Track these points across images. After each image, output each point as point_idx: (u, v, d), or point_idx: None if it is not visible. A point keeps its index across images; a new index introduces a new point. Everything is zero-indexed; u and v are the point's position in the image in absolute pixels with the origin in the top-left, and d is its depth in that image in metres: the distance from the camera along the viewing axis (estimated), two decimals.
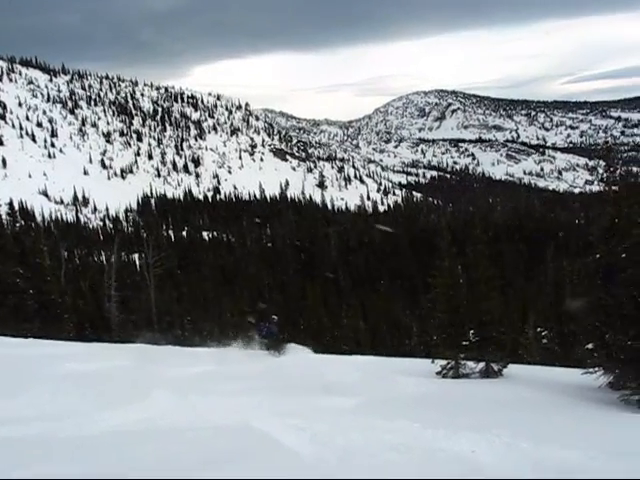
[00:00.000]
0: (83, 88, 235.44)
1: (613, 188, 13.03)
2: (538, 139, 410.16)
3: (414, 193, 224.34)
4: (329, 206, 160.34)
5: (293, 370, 14.97)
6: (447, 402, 11.52)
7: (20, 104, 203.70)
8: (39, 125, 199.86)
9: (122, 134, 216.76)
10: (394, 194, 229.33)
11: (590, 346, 13.59)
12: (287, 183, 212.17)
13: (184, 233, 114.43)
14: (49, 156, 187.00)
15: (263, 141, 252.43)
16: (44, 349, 16.33)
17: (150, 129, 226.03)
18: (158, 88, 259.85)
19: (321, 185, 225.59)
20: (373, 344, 43.77)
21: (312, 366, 15.53)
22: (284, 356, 19.25)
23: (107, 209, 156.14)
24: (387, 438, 7.11)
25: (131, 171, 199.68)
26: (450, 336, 15.31)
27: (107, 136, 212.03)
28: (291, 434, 7.18)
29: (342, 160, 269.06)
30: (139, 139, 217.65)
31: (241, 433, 7.33)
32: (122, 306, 43.11)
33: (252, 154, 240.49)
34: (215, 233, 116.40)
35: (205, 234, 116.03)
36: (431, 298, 16.61)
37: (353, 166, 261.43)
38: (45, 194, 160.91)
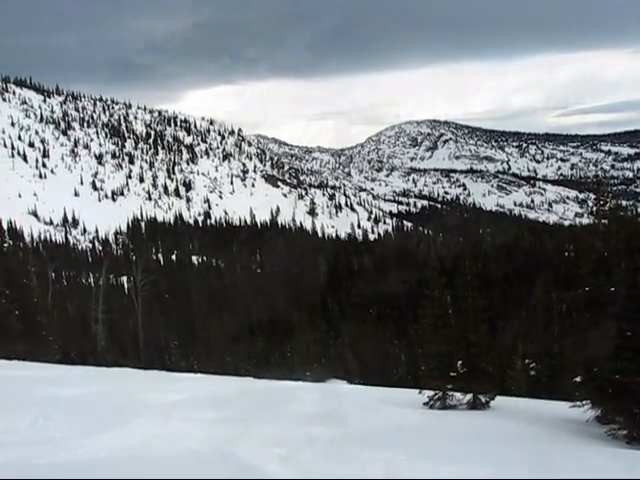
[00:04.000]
0: (76, 109, 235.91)
1: (603, 221, 13.10)
2: (529, 171, 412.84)
3: (405, 222, 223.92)
4: (319, 233, 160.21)
5: (277, 398, 14.83)
6: (433, 434, 11.42)
7: (13, 124, 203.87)
8: (31, 145, 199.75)
9: (114, 156, 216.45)
10: (385, 223, 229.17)
11: (578, 379, 13.56)
12: (278, 209, 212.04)
13: (173, 257, 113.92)
14: (40, 176, 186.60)
15: (255, 167, 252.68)
16: (28, 372, 16.15)
17: (142, 152, 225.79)
18: (151, 111, 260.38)
19: (312, 212, 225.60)
20: (361, 373, 43.54)
21: (296, 394, 15.38)
22: (269, 384, 19.07)
23: (97, 231, 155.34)
24: (371, 469, 7.02)
25: (122, 193, 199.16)
26: (438, 367, 15.23)
27: (99, 158, 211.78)
28: (275, 463, 7.09)
29: (333, 188, 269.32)
30: (131, 162, 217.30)
31: (224, 461, 7.22)
32: (109, 329, 42.80)
33: (244, 180, 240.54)
34: (205, 258, 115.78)
35: (194, 259, 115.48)
36: (420, 328, 16.54)
37: (344, 194, 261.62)
38: (35, 214, 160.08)
